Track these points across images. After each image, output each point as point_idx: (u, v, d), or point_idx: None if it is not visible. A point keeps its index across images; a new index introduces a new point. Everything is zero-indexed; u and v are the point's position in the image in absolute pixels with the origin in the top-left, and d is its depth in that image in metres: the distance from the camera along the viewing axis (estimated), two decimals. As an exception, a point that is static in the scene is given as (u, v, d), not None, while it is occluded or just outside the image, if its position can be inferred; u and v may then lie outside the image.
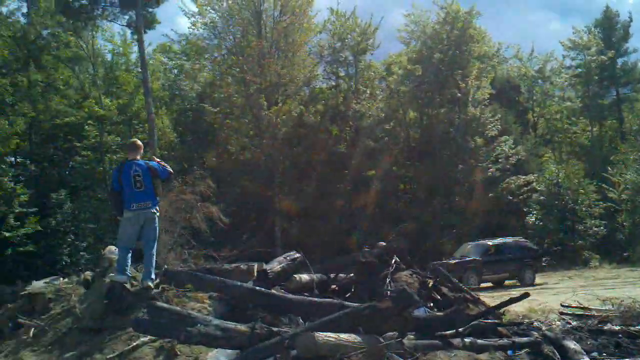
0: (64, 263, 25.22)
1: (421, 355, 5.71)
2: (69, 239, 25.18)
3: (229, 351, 6.02)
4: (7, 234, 22.97)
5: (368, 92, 31.96)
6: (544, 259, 22.86)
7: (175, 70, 33.84)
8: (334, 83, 32.43)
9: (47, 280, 7.94)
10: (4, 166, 22.52)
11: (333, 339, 5.36)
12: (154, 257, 6.82)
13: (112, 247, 8.19)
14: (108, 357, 5.85)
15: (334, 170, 28.78)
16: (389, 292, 7.35)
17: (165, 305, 5.84)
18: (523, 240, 21.23)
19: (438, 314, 7.06)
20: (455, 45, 29.97)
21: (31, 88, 24.84)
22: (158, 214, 6.93)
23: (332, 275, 8.41)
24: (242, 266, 7.71)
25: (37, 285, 7.63)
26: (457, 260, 18.31)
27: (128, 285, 6.67)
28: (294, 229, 26.87)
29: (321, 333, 5.32)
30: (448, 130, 30.20)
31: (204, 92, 30.44)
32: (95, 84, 26.86)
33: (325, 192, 28.29)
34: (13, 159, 25.81)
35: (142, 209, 6.67)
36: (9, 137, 20.52)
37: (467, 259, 18.46)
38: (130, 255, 6.78)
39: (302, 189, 27.80)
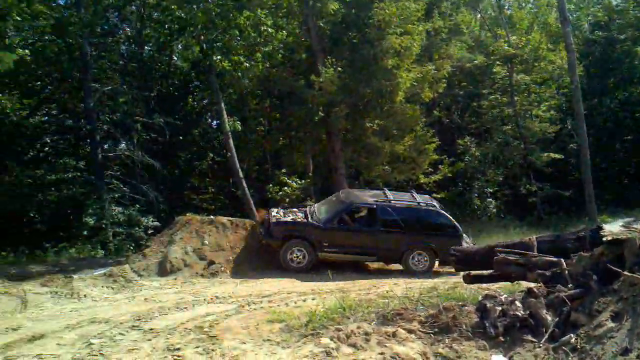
0: (474, 208, 25.40)
1: None
2: (476, 185, 25.12)
3: None
4: (422, 180, 24.16)
5: None
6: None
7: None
8: None
9: (622, 223, 6.68)
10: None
11: None
12: None
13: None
14: None
15: None
16: None
17: None
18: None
19: None
20: None
21: (434, 36, 24.98)
22: None
23: None
24: None
25: (612, 229, 6.38)
26: None
27: None
28: None
29: None
30: None
31: (607, 19, 26.48)
32: (499, 24, 25.76)
33: None
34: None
35: None
36: (438, 81, 20.32)
37: None
38: None
39: None
